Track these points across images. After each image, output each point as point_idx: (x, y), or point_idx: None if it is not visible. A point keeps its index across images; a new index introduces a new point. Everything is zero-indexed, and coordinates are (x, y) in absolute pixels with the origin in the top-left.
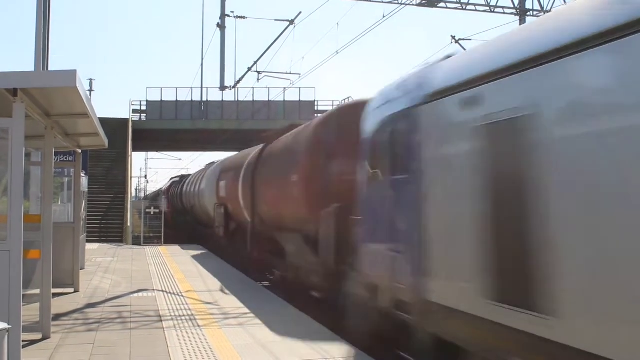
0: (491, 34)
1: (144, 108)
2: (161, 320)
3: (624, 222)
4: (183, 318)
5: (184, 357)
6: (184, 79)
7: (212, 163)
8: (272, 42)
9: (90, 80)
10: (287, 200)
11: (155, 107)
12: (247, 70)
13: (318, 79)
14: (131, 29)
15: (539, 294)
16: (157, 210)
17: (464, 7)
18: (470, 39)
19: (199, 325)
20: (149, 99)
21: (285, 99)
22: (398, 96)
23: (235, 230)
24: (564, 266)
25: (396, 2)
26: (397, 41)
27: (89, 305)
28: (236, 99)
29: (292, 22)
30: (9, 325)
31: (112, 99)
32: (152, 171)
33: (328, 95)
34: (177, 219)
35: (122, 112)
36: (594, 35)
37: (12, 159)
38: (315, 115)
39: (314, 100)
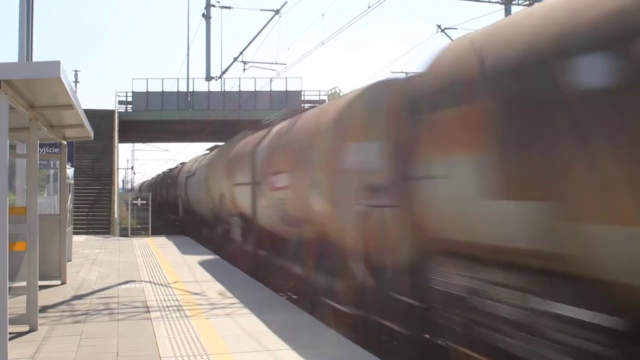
0: (477, 23)
1: (129, 99)
2: (149, 311)
3: None
4: (171, 309)
5: (171, 348)
6: (170, 69)
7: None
8: (257, 32)
9: (76, 71)
10: None
11: (141, 98)
12: (233, 60)
13: (305, 69)
14: (116, 19)
15: None
16: (144, 202)
17: None
18: (456, 28)
19: (186, 316)
20: (135, 90)
21: (272, 89)
22: None
23: None
24: None
25: None
26: (381, 31)
27: (76, 297)
28: (222, 90)
29: (277, 12)
30: None
31: (98, 91)
32: (139, 162)
33: (314, 85)
34: None
35: (108, 103)
36: None
37: None
38: (303, 106)
39: (301, 90)
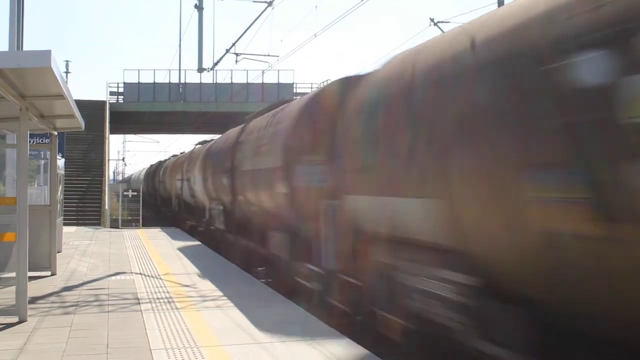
0: (467, 17)
1: (121, 90)
2: (139, 303)
3: None
4: (161, 301)
5: (162, 340)
6: (161, 61)
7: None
8: (250, 23)
9: (67, 62)
10: None
11: (133, 89)
12: (225, 52)
13: (297, 61)
14: (108, 10)
15: None
16: (135, 193)
17: None
18: (449, 22)
19: (177, 308)
20: (127, 81)
21: (264, 82)
22: None
23: None
24: None
25: None
26: (372, 26)
27: (66, 289)
28: (214, 81)
29: (270, 3)
30: None
31: (89, 82)
32: (130, 154)
33: (306, 77)
34: None
35: (99, 94)
36: None
37: None
38: (295, 97)
39: (293, 83)
